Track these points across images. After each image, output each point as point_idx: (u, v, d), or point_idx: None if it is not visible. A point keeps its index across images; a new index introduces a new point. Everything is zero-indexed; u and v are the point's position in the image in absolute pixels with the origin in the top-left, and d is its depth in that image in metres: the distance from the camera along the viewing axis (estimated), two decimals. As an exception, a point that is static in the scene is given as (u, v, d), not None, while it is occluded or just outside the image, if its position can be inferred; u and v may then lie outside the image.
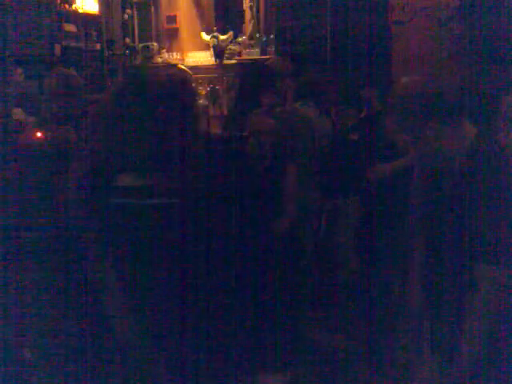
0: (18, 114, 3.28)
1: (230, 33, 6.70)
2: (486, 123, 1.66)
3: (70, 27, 5.72)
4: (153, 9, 7.03)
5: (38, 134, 2.62)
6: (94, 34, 6.20)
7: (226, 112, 5.63)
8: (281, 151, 2.95)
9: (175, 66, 6.78)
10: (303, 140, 3.33)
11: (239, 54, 6.57)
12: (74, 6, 5.84)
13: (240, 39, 6.64)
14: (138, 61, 6.79)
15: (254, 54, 6.23)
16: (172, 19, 7.01)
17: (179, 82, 1.35)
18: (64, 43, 5.47)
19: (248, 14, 6.52)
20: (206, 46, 6.86)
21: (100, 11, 6.33)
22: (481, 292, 1.59)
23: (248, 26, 6.53)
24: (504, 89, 2.00)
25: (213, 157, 2.90)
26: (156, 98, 1.23)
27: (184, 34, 7.05)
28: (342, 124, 3.68)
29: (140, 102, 1.21)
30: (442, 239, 1.76)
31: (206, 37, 6.80)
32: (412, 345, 1.95)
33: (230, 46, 6.67)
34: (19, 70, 4.53)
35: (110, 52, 6.45)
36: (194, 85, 6.34)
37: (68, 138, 2.53)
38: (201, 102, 6.56)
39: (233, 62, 6.59)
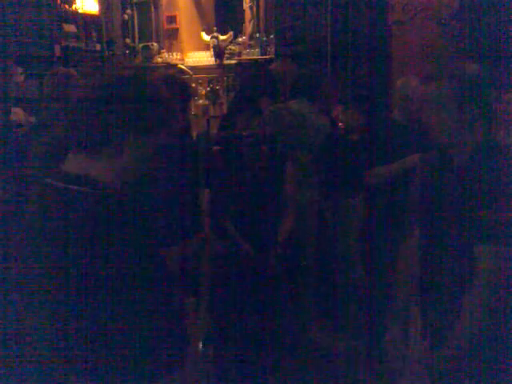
0: (17, 113, 3.28)
1: (230, 33, 6.70)
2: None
3: (70, 27, 5.71)
4: (153, 9, 7.03)
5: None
6: (94, 34, 6.20)
7: (225, 111, 5.63)
8: (276, 149, 2.94)
9: (175, 65, 6.80)
10: (297, 137, 3.31)
11: (239, 54, 6.57)
12: (74, 6, 5.84)
13: (240, 39, 6.64)
14: (138, 61, 6.79)
15: (254, 54, 6.22)
16: (172, 19, 7.02)
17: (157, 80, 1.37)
18: (64, 43, 5.47)
19: (248, 14, 6.52)
20: (205, 46, 6.87)
21: (100, 11, 6.34)
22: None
23: (248, 26, 6.53)
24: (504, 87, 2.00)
25: (212, 156, 2.90)
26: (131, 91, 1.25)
27: (184, 34, 7.06)
28: (342, 124, 3.67)
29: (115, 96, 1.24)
30: (442, 240, 1.75)
31: (206, 37, 6.80)
32: (413, 343, 1.95)
33: (229, 46, 6.68)
34: (19, 70, 4.53)
35: (110, 52, 6.45)
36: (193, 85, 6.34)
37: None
38: (201, 101, 6.57)
39: (233, 62, 6.59)
